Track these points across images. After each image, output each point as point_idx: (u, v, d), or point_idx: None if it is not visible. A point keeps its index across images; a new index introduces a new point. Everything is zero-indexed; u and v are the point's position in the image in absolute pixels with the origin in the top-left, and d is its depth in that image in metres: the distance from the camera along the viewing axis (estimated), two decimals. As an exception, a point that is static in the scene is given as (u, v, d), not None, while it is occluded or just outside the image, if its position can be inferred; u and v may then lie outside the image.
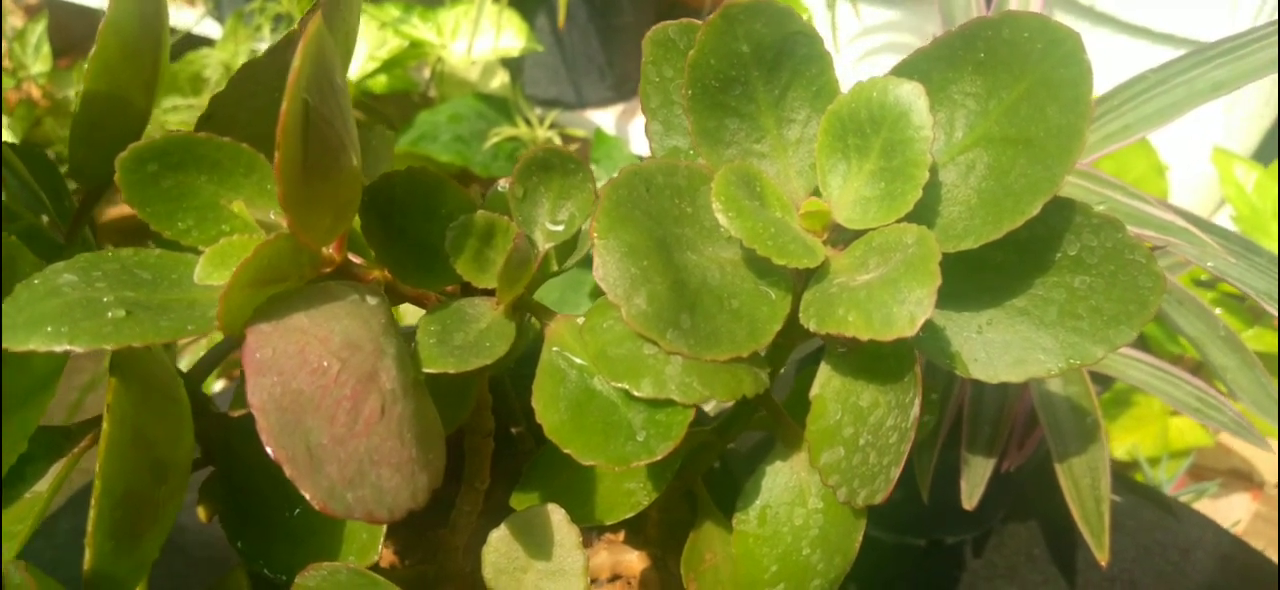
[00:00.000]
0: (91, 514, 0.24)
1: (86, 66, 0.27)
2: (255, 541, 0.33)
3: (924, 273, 0.27)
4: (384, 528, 0.31)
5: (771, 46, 0.31)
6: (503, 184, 0.32)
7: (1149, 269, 0.31)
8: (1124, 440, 0.94)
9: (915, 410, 0.29)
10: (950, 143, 0.32)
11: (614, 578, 0.44)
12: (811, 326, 0.29)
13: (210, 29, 1.37)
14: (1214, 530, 0.69)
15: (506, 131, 1.12)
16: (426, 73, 1.26)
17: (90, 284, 0.25)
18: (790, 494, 0.35)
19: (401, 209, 0.30)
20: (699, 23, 0.35)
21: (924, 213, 0.31)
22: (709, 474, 0.44)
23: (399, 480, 0.25)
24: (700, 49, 0.31)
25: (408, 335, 0.30)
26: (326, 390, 0.24)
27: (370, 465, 0.24)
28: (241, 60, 1.19)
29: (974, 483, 0.47)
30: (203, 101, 1.16)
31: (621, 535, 0.45)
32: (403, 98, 1.28)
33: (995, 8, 0.58)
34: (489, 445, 0.38)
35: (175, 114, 1.14)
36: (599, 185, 0.33)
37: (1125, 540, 0.67)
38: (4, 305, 0.25)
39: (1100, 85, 0.32)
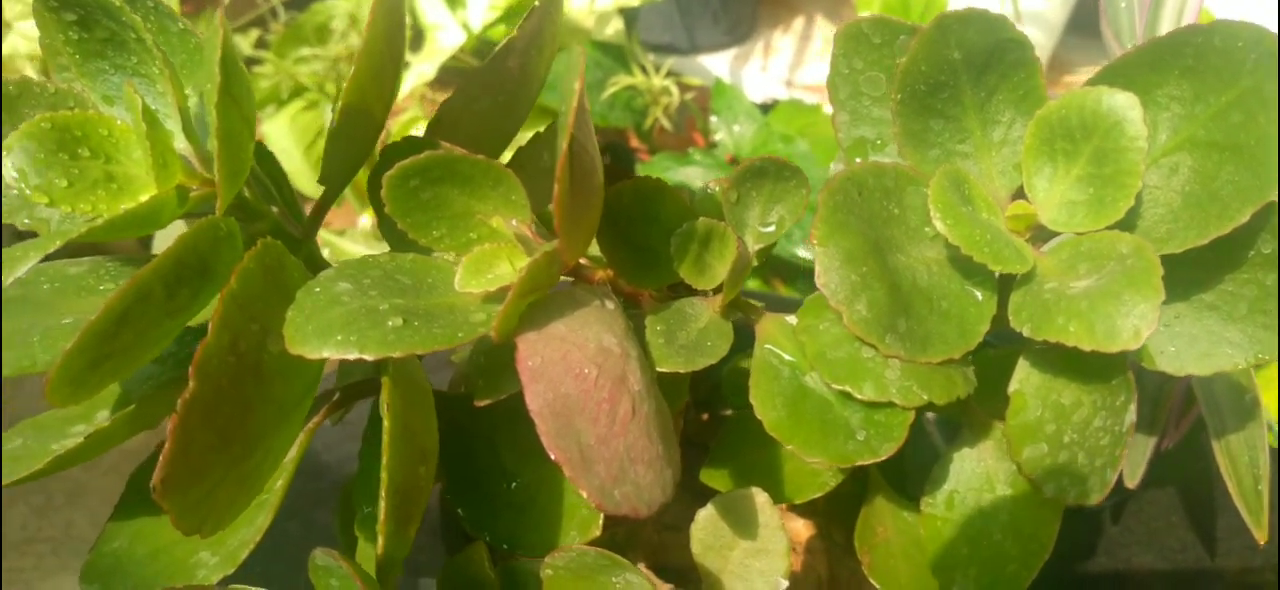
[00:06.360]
0: (382, 506, 0.27)
1: (344, 85, 0.30)
2: (479, 511, 0.36)
3: (1147, 287, 0.28)
4: (603, 508, 0.33)
5: (981, 52, 0.32)
6: (713, 186, 0.34)
7: (1347, 269, 0.31)
8: (1256, 401, 0.92)
9: (1130, 416, 0.30)
10: (1153, 145, 0.32)
11: (781, 543, 0.46)
12: (1026, 332, 0.30)
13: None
14: (1357, 500, 0.67)
15: (624, 81, 1.13)
16: (541, 21, 1.27)
17: (364, 292, 0.28)
18: (978, 481, 0.36)
19: (627, 216, 0.32)
20: (893, 19, 0.36)
21: (1127, 215, 0.31)
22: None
23: (652, 476, 0.27)
24: (913, 56, 0.31)
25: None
26: (588, 394, 0.26)
27: (629, 463, 0.26)
28: (365, 11, 1.22)
29: (1135, 462, 0.47)
30: (330, 51, 1.19)
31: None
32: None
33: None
34: (679, 423, 0.40)
35: (304, 64, 1.17)
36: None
37: (1264, 507, 0.66)
38: (291, 313, 0.27)
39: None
